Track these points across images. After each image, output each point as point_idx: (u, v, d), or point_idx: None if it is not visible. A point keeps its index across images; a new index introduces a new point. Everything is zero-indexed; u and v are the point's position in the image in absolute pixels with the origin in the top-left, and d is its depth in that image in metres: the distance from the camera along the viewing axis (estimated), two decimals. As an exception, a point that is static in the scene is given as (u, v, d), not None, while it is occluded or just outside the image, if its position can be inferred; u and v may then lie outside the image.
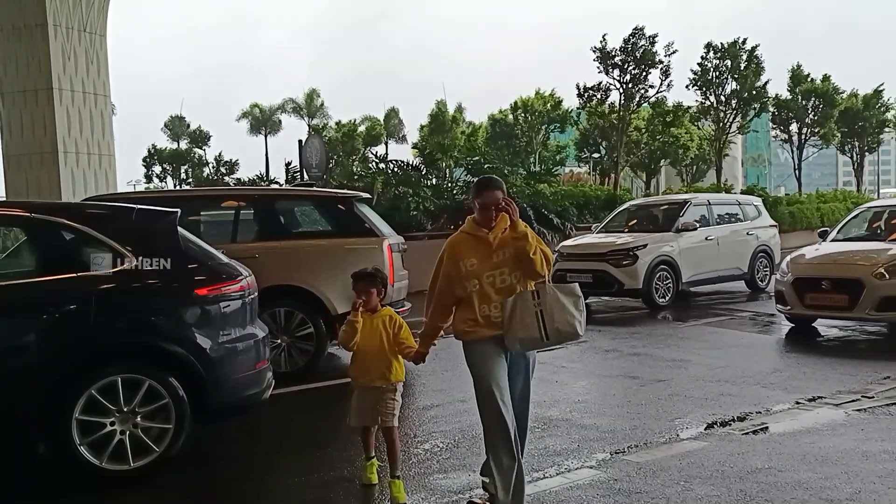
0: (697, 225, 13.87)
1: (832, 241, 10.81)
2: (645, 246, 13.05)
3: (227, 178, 46.92)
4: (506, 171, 21.16)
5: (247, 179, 21.61)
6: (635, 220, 14.86)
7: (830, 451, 5.31)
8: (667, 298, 13.14)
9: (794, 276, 9.91)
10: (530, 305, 4.08)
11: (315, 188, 13.54)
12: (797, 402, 6.69)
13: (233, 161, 60.66)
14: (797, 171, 50.98)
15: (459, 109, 66.57)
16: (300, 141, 18.31)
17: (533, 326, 4.06)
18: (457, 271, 4.17)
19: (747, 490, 4.61)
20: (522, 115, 57.29)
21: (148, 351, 5.14)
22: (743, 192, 28.50)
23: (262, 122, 68.48)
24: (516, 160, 53.59)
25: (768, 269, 15.12)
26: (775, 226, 16.11)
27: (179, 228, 5.52)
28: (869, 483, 4.69)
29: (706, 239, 14.04)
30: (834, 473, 4.86)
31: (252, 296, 5.66)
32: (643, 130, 42.96)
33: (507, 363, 4.18)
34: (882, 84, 57.29)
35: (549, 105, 56.14)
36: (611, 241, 13.49)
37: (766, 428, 5.95)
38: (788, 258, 10.56)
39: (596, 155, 42.58)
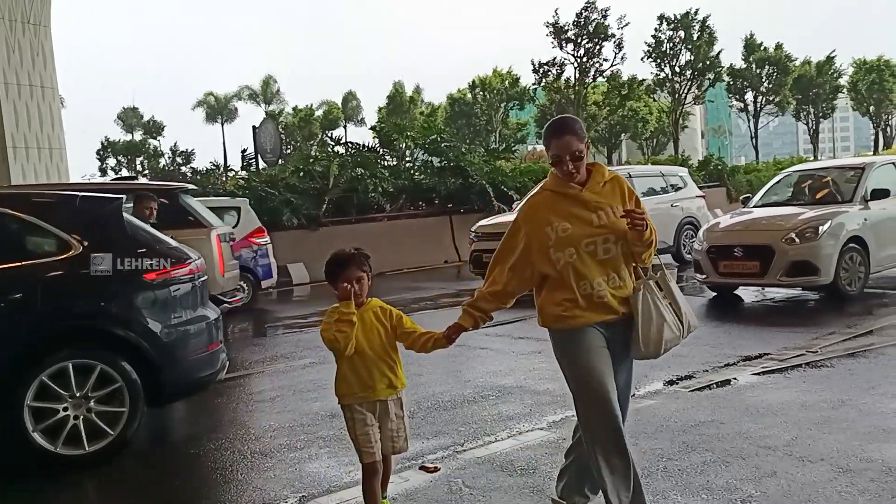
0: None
1: (753, 206, 10.80)
2: None
3: (183, 168, 46.42)
4: (463, 150, 21.22)
5: (203, 168, 21.46)
6: None
7: (772, 403, 5.50)
8: None
9: (709, 244, 9.91)
10: (660, 297, 3.38)
11: (138, 181, 13.27)
12: (744, 359, 6.90)
13: (189, 151, 60.18)
14: (754, 140, 51.79)
15: (417, 90, 66.63)
16: (254, 127, 18.22)
17: (675, 324, 3.38)
18: (542, 240, 3.34)
19: (689, 441, 4.78)
20: (481, 93, 57.51)
21: (98, 336, 5.17)
22: (700, 162, 28.92)
23: (218, 110, 67.85)
24: (477, 139, 53.81)
25: (695, 240, 15.23)
26: (702, 196, 15.94)
27: (126, 214, 5.54)
28: (806, 430, 4.88)
29: None
30: (774, 423, 5.05)
31: (202, 279, 5.70)
32: (601, 105, 43.31)
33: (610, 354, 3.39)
34: (834, 50, 58.82)
35: (507, 83, 56.41)
36: (505, 222, 12.88)
37: (712, 385, 6.15)
38: (704, 227, 10.59)
39: (556, 131, 42.61)
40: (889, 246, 9.77)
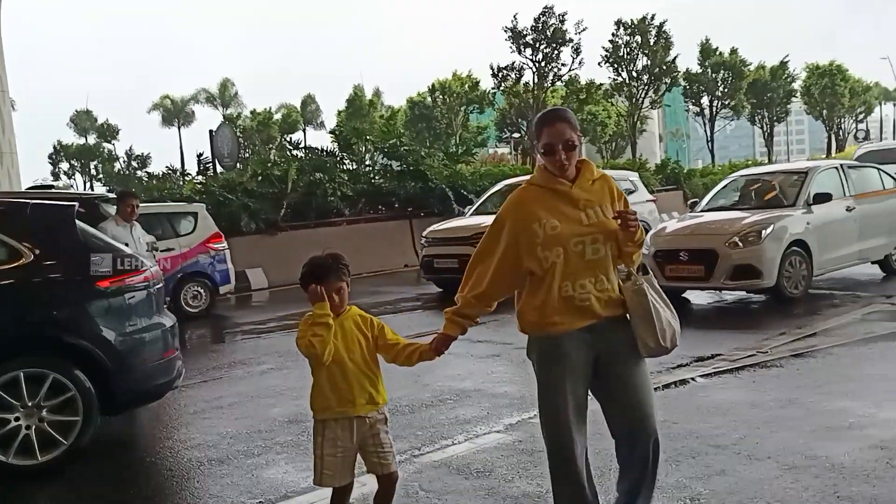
0: None
1: (701, 210, 10.92)
2: None
3: (139, 173, 45.77)
4: (423, 154, 21.29)
5: (159, 173, 21.21)
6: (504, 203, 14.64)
7: (722, 403, 5.63)
8: None
9: (655, 248, 9.95)
10: (654, 294, 3.23)
11: (52, 190, 13.02)
12: (696, 360, 7.04)
13: (144, 155, 59.33)
14: (710, 143, 52.66)
15: (377, 93, 66.60)
16: (211, 131, 18.07)
17: (675, 318, 3.26)
18: (530, 238, 3.14)
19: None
20: (441, 96, 57.62)
21: (51, 345, 5.11)
22: (657, 166, 29.33)
23: (175, 113, 67.05)
24: (437, 142, 53.90)
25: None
26: (653, 200, 15.98)
27: (78, 222, 5.49)
28: (754, 429, 5.01)
29: None
30: (724, 422, 5.18)
31: (157, 286, 5.67)
32: (560, 108, 43.65)
33: (589, 371, 3.22)
34: (787, 55, 59.81)
35: (466, 86, 56.62)
36: (476, 224, 12.71)
37: (665, 385, 6.27)
38: (652, 231, 10.68)
39: (516, 135, 43.27)
40: (831, 249, 9.97)
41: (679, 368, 6.78)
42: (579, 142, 3.21)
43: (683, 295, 10.47)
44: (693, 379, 6.41)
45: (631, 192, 15.09)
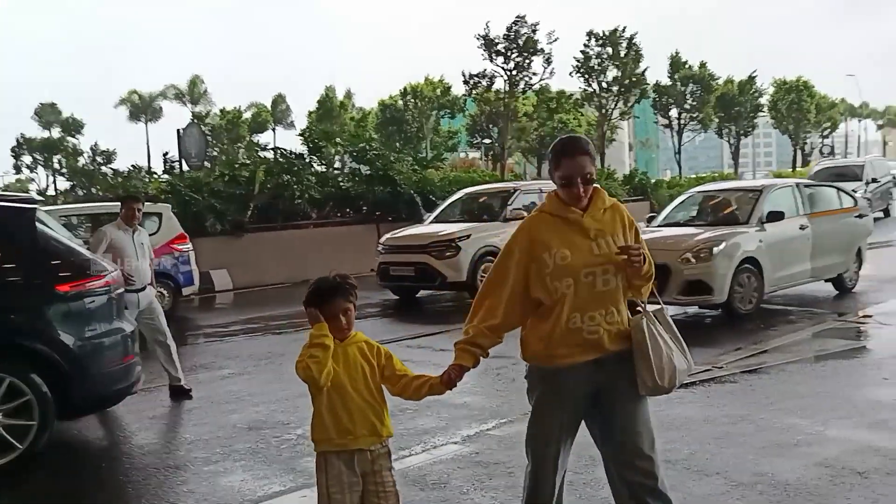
0: (525, 213, 13.48)
1: (657, 225, 10.96)
2: (468, 236, 12.35)
3: (103, 169, 45.05)
4: (392, 159, 21.30)
5: (125, 170, 20.93)
6: (467, 209, 14.19)
7: (676, 418, 5.74)
8: None
9: None
10: (662, 330, 3.17)
11: None
12: (653, 374, 7.15)
13: (110, 151, 58.27)
14: (678, 155, 53.31)
15: (349, 95, 66.37)
16: (179, 130, 17.94)
17: (680, 355, 3.18)
18: (539, 267, 3.08)
19: (595, 455, 4.93)
20: (412, 100, 57.65)
21: (8, 349, 5.07)
22: (625, 176, 29.65)
23: (142, 108, 66.21)
24: (407, 146, 53.94)
25: None
26: None
27: (40, 225, 5.45)
28: (705, 444, 5.13)
29: None
30: (676, 437, 5.28)
31: (118, 291, 5.65)
32: (531, 117, 44.02)
33: (584, 405, 3.20)
34: (755, 70, 60.65)
35: (438, 91, 56.73)
36: (433, 232, 12.80)
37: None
38: None
39: (487, 141, 43.52)
40: (784, 267, 10.11)
41: (636, 382, 6.88)
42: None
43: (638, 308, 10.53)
44: (649, 393, 6.52)
45: None
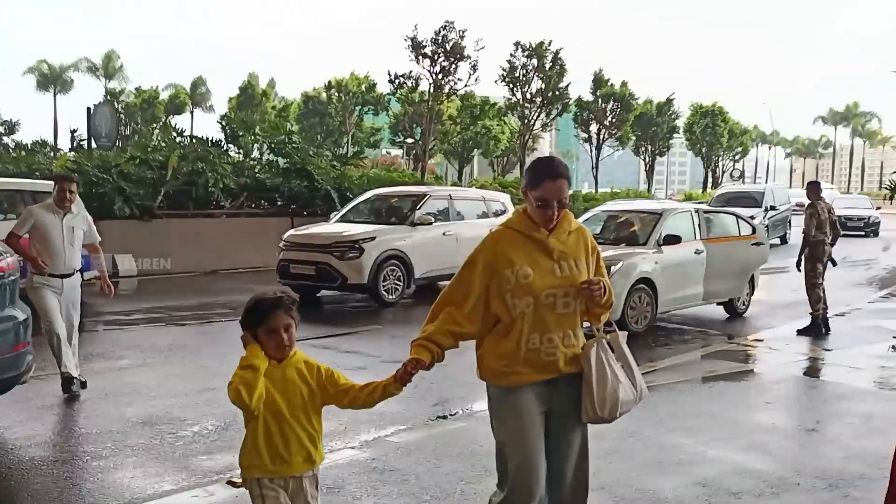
0: (433, 219, 13.17)
1: None
2: (373, 238, 12.25)
3: (4, 139, 42.68)
4: (311, 153, 21.12)
5: (28, 144, 20.05)
6: (375, 211, 14.03)
7: (569, 431, 5.93)
8: (397, 294, 12.37)
9: None
10: (613, 358, 3.20)
11: None
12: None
13: (13, 121, 55.27)
14: (594, 170, 54.52)
15: (271, 84, 65.44)
16: (88, 108, 17.34)
17: (629, 386, 3.21)
18: (501, 282, 3.08)
19: (489, 467, 5.06)
20: (336, 94, 57.23)
21: None
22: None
23: (52, 79, 63.48)
24: (329, 139, 53.54)
25: None
26: None
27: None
28: (594, 460, 5.20)
29: (444, 234, 13.25)
30: (568, 451, 5.46)
31: (12, 277, 5.47)
32: (455, 121, 44.30)
33: (543, 423, 3.19)
34: (673, 93, 62.67)
35: (363, 87, 56.46)
36: (337, 232, 12.61)
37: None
38: None
39: (410, 140, 43.64)
40: (677, 289, 10.48)
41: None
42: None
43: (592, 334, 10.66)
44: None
45: (502, 213, 14.68)
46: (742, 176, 60.25)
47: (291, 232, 13.29)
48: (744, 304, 11.76)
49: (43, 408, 6.36)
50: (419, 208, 13.19)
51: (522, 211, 3.21)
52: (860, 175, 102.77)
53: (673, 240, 10.35)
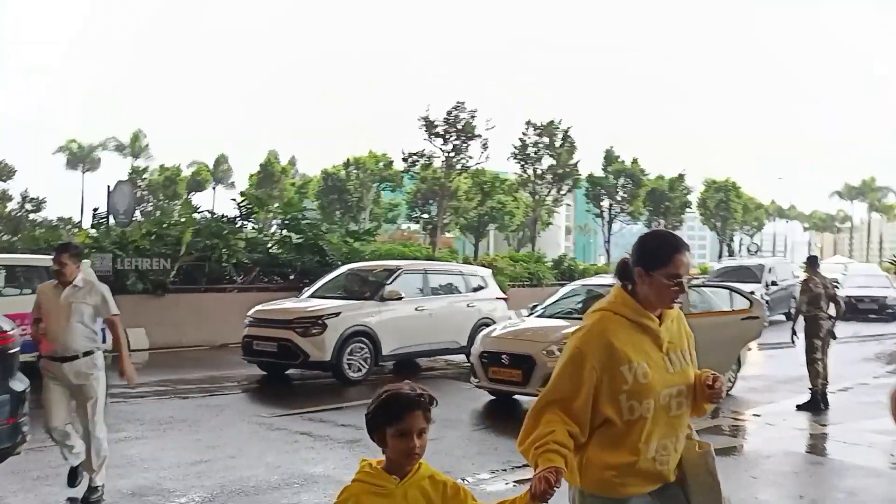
0: (403, 294, 12.61)
1: (536, 316, 11.04)
2: (338, 314, 11.86)
3: (31, 216, 43.75)
4: (323, 229, 21.58)
5: (52, 221, 20.73)
6: (346, 286, 13.63)
7: None
8: (362, 372, 11.84)
9: (482, 349, 10.03)
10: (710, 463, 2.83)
11: None
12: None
13: (40, 199, 56.80)
14: (607, 244, 54.81)
15: (291, 161, 66.81)
16: (108, 187, 17.97)
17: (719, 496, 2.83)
18: (616, 381, 2.64)
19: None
20: (355, 171, 58.39)
21: None
22: (554, 261, 30.39)
23: (81, 158, 65.37)
24: (348, 214, 54.39)
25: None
26: (504, 298, 15.00)
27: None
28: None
29: (416, 309, 12.89)
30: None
31: (12, 350, 5.71)
32: (468, 196, 44.98)
33: None
34: (684, 169, 63.37)
35: (381, 164, 57.60)
36: (301, 308, 12.31)
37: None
38: (483, 332, 10.73)
39: (426, 215, 44.32)
40: None
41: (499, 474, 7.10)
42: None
43: (515, 396, 10.35)
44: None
45: (480, 289, 14.43)
46: (759, 249, 60.17)
47: (257, 307, 12.93)
48: (730, 381, 11.08)
49: (37, 478, 6.52)
50: (390, 283, 12.75)
51: (626, 292, 2.76)
52: (878, 249, 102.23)
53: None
